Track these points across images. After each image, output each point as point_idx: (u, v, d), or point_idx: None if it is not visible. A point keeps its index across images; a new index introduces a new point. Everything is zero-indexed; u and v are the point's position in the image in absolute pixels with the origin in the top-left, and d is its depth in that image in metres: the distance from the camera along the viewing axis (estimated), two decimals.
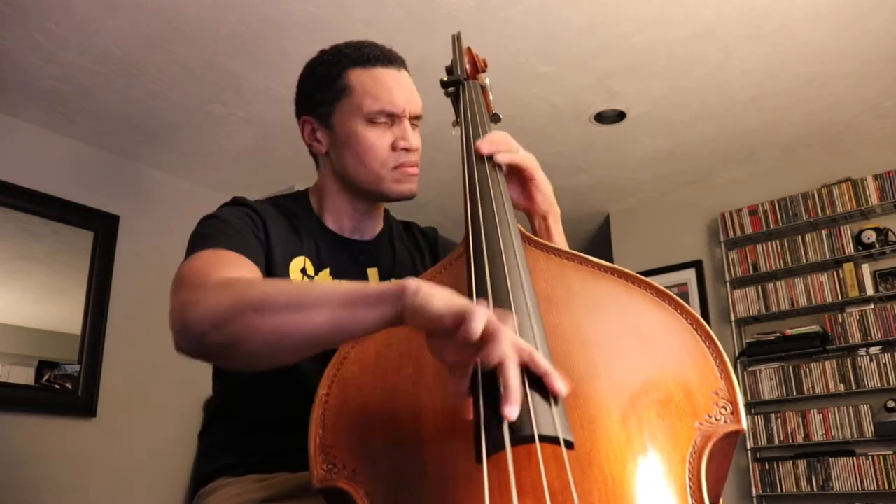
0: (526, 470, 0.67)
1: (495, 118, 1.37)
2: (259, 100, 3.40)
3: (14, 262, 3.40)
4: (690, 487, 0.71)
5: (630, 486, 0.70)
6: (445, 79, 1.38)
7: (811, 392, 3.84)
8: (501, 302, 0.81)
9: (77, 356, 3.51)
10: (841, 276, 3.90)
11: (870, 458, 3.61)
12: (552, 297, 0.91)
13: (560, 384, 0.68)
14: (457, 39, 1.44)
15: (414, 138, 1.20)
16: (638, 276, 0.93)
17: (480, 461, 0.64)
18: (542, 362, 0.68)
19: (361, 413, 0.81)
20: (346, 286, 0.81)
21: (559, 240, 1.18)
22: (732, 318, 4.18)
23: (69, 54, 3.00)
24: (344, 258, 1.24)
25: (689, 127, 3.80)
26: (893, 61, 3.25)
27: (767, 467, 3.87)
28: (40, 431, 3.32)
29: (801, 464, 3.77)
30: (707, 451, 0.73)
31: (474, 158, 1.14)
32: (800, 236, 4.05)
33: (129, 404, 3.63)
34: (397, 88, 1.20)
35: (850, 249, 3.88)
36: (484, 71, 1.42)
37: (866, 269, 3.85)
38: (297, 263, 1.18)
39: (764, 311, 4.08)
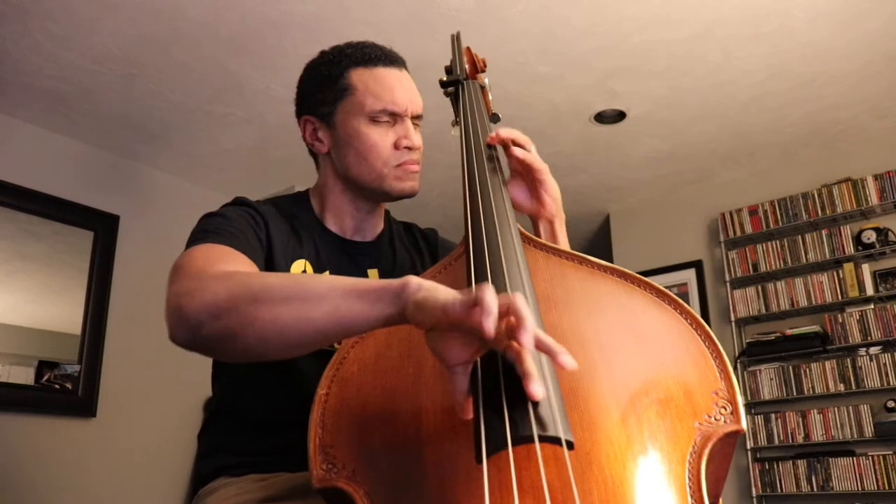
0: (526, 470, 0.67)
1: (495, 118, 1.37)
2: (259, 100, 3.40)
3: (14, 262, 3.40)
4: (690, 487, 0.71)
5: (630, 486, 0.70)
6: (445, 79, 1.38)
7: (811, 392, 3.84)
8: None
9: (77, 356, 3.51)
10: (841, 276, 3.90)
11: (870, 458, 3.61)
12: (552, 296, 0.91)
13: (567, 359, 0.66)
14: (456, 39, 1.45)
15: (416, 137, 1.21)
16: (637, 275, 0.93)
17: (480, 461, 0.64)
18: (547, 340, 0.67)
19: (361, 413, 0.81)
20: (347, 280, 0.81)
21: (564, 245, 1.18)
22: (732, 318, 4.18)
23: (69, 54, 3.00)
24: (344, 260, 1.24)
25: (689, 127, 3.80)
26: (893, 61, 3.25)
27: (767, 467, 3.87)
28: (40, 431, 3.32)
29: (801, 464, 3.77)
30: (707, 451, 0.73)
31: (474, 158, 1.14)
32: (800, 236, 4.05)
33: (129, 404, 3.63)
34: (399, 88, 1.20)
35: (850, 249, 3.88)
36: (483, 71, 1.42)
37: (866, 269, 3.85)
38: (298, 266, 1.18)
39: (764, 311, 4.08)
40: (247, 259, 1.05)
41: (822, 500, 3.73)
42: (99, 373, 3.55)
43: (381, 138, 1.19)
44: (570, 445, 0.67)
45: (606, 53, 3.13)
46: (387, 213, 1.36)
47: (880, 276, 3.82)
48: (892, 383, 3.63)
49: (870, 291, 3.80)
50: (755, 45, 3.10)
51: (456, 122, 1.30)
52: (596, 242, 5.23)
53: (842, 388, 3.76)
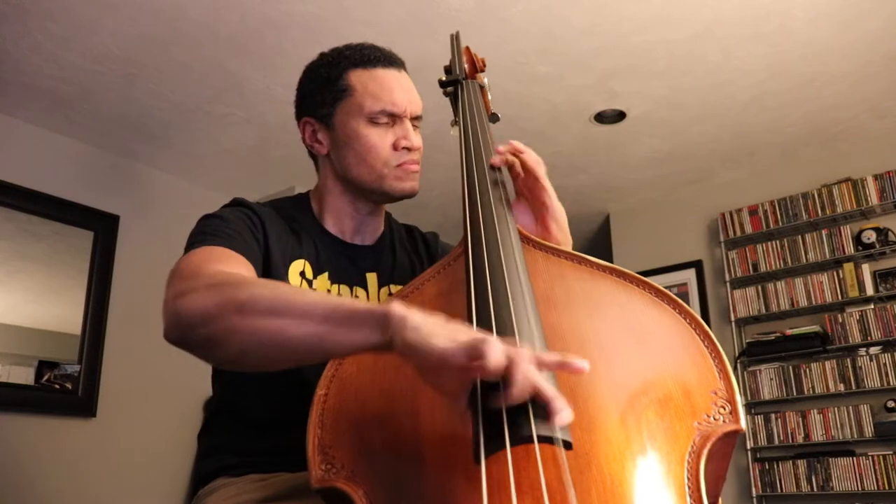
0: (525, 470, 0.67)
1: (494, 118, 1.37)
2: (259, 100, 3.40)
3: (14, 262, 3.40)
4: (689, 487, 0.71)
5: (629, 485, 0.70)
6: (444, 78, 1.38)
7: (811, 392, 3.84)
8: (500, 304, 0.80)
9: (77, 356, 3.51)
10: (841, 276, 3.90)
11: (870, 458, 3.60)
12: (551, 297, 0.91)
13: (579, 362, 0.67)
14: (455, 39, 1.44)
15: (415, 138, 1.21)
16: (637, 275, 0.93)
17: (479, 462, 0.64)
18: (551, 357, 0.68)
19: (360, 413, 0.81)
20: (332, 302, 0.80)
21: None
22: (732, 318, 4.18)
23: (69, 54, 3.00)
24: (343, 262, 1.23)
25: (689, 127, 3.80)
26: (893, 61, 3.25)
27: (767, 467, 3.87)
28: (40, 431, 3.32)
29: (801, 464, 3.77)
30: (706, 451, 0.73)
31: (473, 158, 1.14)
32: (800, 236, 4.05)
33: (129, 404, 3.63)
34: (398, 89, 1.20)
35: (850, 249, 3.88)
36: (482, 70, 1.42)
37: (866, 269, 3.85)
38: (297, 266, 1.18)
39: (764, 311, 4.08)
40: (244, 261, 1.05)
41: (822, 500, 3.73)
42: (99, 373, 3.55)
43: (380, 139, 1.18)
44: (568, 446, 0.67)
45: (606, 53, 3.13)
46: (388, 215, 1.35)
47: (880, 276, 3.82)
48: (892, 383, 3.62)
49: (870, 291, 3.80)
50: (755, 45, 3.10)
51: (455, 122, 1.30)
52: (596, 242, 5.23)
53: (842, 388, 3.76)
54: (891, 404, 3.61)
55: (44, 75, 3.14)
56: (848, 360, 3.78)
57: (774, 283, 4.09)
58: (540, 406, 0.67)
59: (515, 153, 1.15)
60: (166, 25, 2.85)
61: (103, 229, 3.72)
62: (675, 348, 0.84)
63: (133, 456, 3.58)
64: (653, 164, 4.21)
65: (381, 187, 1.21)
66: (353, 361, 0.87)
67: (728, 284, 4.23)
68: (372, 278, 1.25)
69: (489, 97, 1.41)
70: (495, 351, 0.64)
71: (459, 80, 1.36)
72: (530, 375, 0.65)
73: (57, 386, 3.41)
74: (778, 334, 3.99)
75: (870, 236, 3.82)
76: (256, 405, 1.16)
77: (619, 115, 3.66)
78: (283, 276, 1.15)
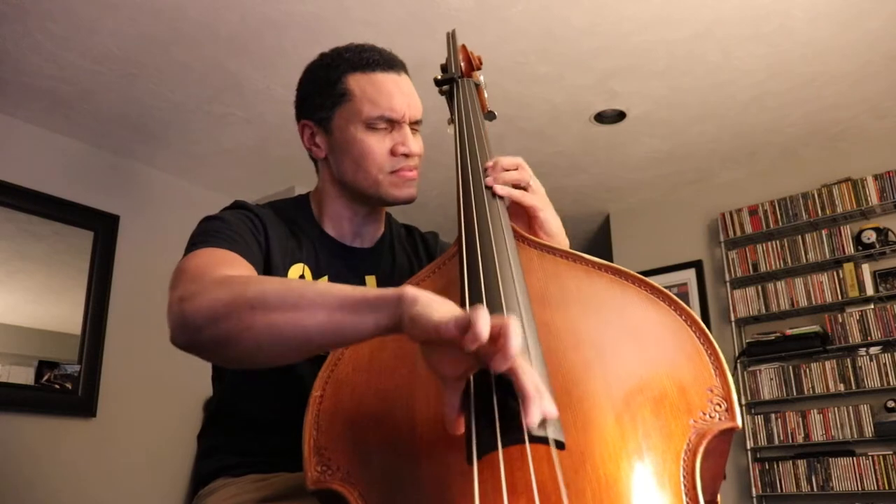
0: (519, 470, 0.67)
1: (490, 116, 1.36)
2: (259, 100, 3.40)
3: (14, 262, 3.40)
4: (685, 485, 0.70)
5: (624, 484, 0.70)
6: (440, 77, 1.37)
7: (811, 392, 3.84)
8: (493, 301, 0.80)
9: (77, 356, 3.51)
10: (841, 276, 3.90)
11: (870, 458, 3.60)
12: (545, 295, 0.90)
13: (549, 406, 0.67)
14: (451, 37, 1.44)
15: (414, 143, 1.19)
16: (633, 273, 0.93)
17: (471, 462, 0.65)
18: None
19: (355, 414, 0.81)
20: (344, 289, 0.80)
21: None
22: (732, 318, 4.18)
23: (69, 54, 3.00)
24: (342, 266, 1.23)
25: (689, 127, 3.79)
26: (893, 61, 3.24)
27: (767, 467, 3.87)
28: (40, 431, 3.32)
29: (801, 464, 3.77)
30: (702, 449, 0.72)
31: (468, 157, 1.14)
32: (800, 236, 4.05)
33: (129, 404, 3.63)
34: (397, 94, 1.19)
35: (850, 249, 3.87)
36: (479, 68, 1.41)
37: (866, 269, 3.85)
38: (296, 270, 1.18)
39: (764, 311, 4.08)
40: (246, 263, 1.05)
41: (822, 500, 3.72)
42: (99, 373, 3.55)
43: (378, 145, 1.18)
44: (561, 446, 0.67)
45: (606, 53, 3.13)
46: (388, 216, 1.35)
47: (880, 276, 3.82)
48: (892, 383, 3.62)
49: (870, 291, 3.80)
50: (755, 45, 3.10)
51: (451, 121, 1.30)
52: (596, 242, 5.23)
53: (842, 388, 3.76)
54: (891, 404, 3.61)
55: (44, 75, 3.14)
56: (848, 360, 3.77)
57: (774, 283, 4.09)
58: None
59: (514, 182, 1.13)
60: (166, 25, 2.85)
61: (103, 229, 3.72)
62: (670, 346, 0.84)
63: (133, 456, 3.58)
64: (653, 164, 4.21)
65: (378, 193, 1.20)
66: (349, 362, 0.87)
67: (728, 284, 4.23)
68: (371, 281, 1.25)
69: (485, 95, 1.41)
70: (483, 321, 0.64)
71: (455, 78, 1.35)
72: (510, 351, 0.65)
73: (57, 386, 3.41)
74: (778, 334, 3.99)
75: (870, 236, 3.82)
76: (256, 406, 1.16)
77: (619, 115, 3.66)
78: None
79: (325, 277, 1.20)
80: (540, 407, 0.65)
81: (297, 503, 0.98)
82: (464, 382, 0.70)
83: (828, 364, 3.83)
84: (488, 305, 0.79)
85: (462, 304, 0.83)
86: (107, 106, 3.41)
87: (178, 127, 3.62)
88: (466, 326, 0.64)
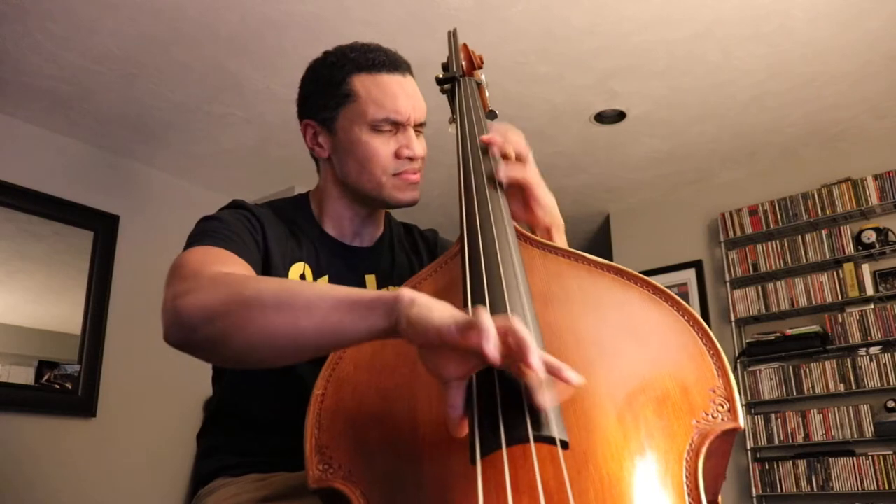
0: (522, 469, 0.67)
1: (492, 115, 1.36)
2: (259, 100, 3.40)
3: (14, 262, 3.40)
4: (687, 485, 0.70)
5: (626, 484, 0.70)
6: (441, 76, 1.37)
7: (811, 392, 3.84)
8: (496, 300, 0.80)
9: (77, 356, 3.51)
10: (841, 276, 3.90)
11: (870, 458, 3.60)
12: (548, 294, 0.90)
13: (571, 374, 0.66)
14: (452, 36, 1.44)
15: (418, 146, 1.19)
16: (635, 273, 0.93)
17: (475, 462, 0.64)
18: (545, 363, 0.67)
19: (357, 413, 0.81)
20: (340, 290, 0.80)
21: None
22: (732, 318, 4.18)
23: (69, 54, 3.00)
24: (342, 265, 1.23)
25: (689, 127, 3.79)
26: (893, 61, 3.24)
27: (767, 467, 3.87)
28: (40, 431, 3.32)
29: (801, 464, 3.77)
30: (704, 450, 0.72)
31: (470, 156, 1.14)
32: (800, 236, 4.05)
33: (129, 404, 3.63)
34: (402, 96, 1.18)
35: (850, 249, 3.87)
36: (480, 67, 1.41)
37: (866, 269, 3.85)
38: (297, 269, 1.18)
39: (764, 311, 4.08)
40: (243, 262, 1.05)
41: (822, 500, 3.73)
42: (99, 373, 3.55)
43: (382, 147, 1.17)
44: (565, 445, 0.67)
45: (606, 53, 3.13)
46: (388, 215, 1.35)
47: (880, 276, 3.82)
48: (892, 383, 3.62)
49: (870, 291, 3.80)
50: (755, 45, 3.10)
51: (452, 120, 1.30)
52: (596, 242, 5.23)
53: (842, 388, 3.76)
54: (891, 404, 3.61)
55: (44, 75, 3.14)
56: (848, 360, 3.77)
57: (774, 283, 4.09)
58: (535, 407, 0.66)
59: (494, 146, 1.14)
60: (166, 25, 2.85)
61: (103, 229, 3.72)
62: (673, 346, 0.84)
63: (133, 456, 3.58)
64: (653, 164, 4.21)
65: (381, 196, 1.20)
66: (351, 361, 0.87)
67: (728, 284, 4.23)
68: (371, 280, 1.25)
69: (487, 94, 1.41)
70: (488, 322, 0.64)
71: (456, 78, 1.35)
72: (532, 350, 0.64)
73: (57, 386, 3.41)
74: (778, 334, 3.99)
75: (870, 236, 3.82)
76: (256, 405, 1.16)
77: (619, 115, 3.66)
78: (282, 279, 1.15)
79: (326, 277, 1.20)
80: (550, 395, 0.65)
81: (298, 503, 0.97)
82: (465, 383, 0.69)
83: (828, 364, 3.83)
84: (491, 305, 0.79)
85: (464, 304, 0.83)
86: (107, 106, 3.41)
87: (178, 127, 3.62)
88: (467, 328, 0.64)
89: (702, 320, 0.86)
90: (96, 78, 3.18)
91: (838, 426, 3.73)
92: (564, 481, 0.66)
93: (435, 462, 0.73)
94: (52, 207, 3.53)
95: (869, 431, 3.63)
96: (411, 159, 1.19)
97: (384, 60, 1.19)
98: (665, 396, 0.78)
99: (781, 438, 3.88)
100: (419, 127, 1.21)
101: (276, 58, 3.08)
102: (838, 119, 3.74)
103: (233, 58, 3.08)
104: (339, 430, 0.79)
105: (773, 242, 4.13)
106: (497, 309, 0.78)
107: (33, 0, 2.68)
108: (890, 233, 3.82)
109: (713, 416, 0.76)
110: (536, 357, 0.64)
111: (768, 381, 3.98)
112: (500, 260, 0.87)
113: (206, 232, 1.08)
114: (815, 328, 3.91)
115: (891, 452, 3.55)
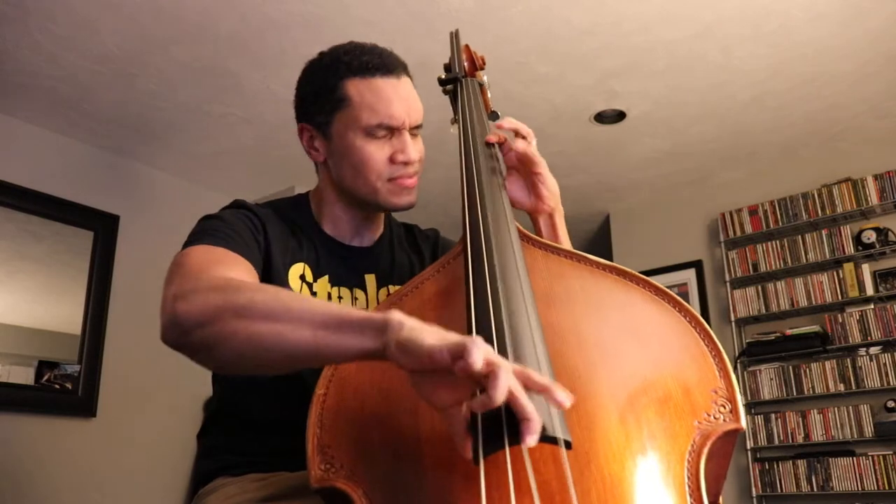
0: (525, 470, 0.67)
1: (494, 116, 1.36)
2: (259, 100, 3.40)
3: (14, 262, 3.40)
4: (689, 486, 0.70)
5: (628, 485, 0.70)
6: (443, 76, 1.37)
7: (811, 392, 3.84)
8: (498, 300, 0.80)
9: (77, 356, 3.51)
10: (841, 276, 3.90)
11: (870, 458, 3.60)
12: (550, 295, 0.90)
13: (562, 395, 0.65)
14: (454, 37, 1.44)
15: (413, 150, 1.18)
16: (637, 274, 0.93)
17: (477, 463, 0.64)
18: (540, 379, 0.66)
19: (359, 412, 0.81)
20: (331, 307, 0.79)
21: (565, 240, 1.18)
22: (732, 318, 4.18)
23: (69, 54, 3.00)
24: (342, 265, 1.23)
25: (689, 127, 3.79)
26: (893, 61, 3.24)
27: (767, 467, 3.87)
28: (40, 431, 3.32)
29: (801, 464, 3.77)
30: (706, 450, 0.72)
31: (472, 157, 1.14)
32: (800, 236, 4.05)
33: (129, 404, 3.63)
34: (396, 100, 1.16)
35: (850, 249, 3.88)
36: (482, 68, 1.41)
37: (866, 269, 3.85)
38: (297, 270, 1.17)
39: (764, 311, 4.08)
40: (244, 262, 1.05)
41: (822, 500, 3.73)
42: (99, 373, 3.55)
43: (377, 152, 1.16)
44: (569, 445, 0.67)
45: (606, 53, 3.13)
46: (387, 214, 1.35)
47: (880, 276, 3.82)
48: (892, 383, 3.62)
49: (870, 291, 3.80)
50: (755, 45, 3.10)
51: (455, 120, 1.30)
52: (596, 242, 5.23)
53: (842, 388, 3.76)
54: (891, 404, 3.61)
55: (44, 75, 3.14)
56: (848, 360, 3.78)
57: (774, 283, 4.09)
58: (538, 407, 0.66)
59: (501, 142, 1.20)
60: (166, 25, 2.85)
61: (103, 229, 3.72)
62: (675, 347, 0.84)
63: (133, 456, 3.58)
64: (653, 164, 4.21)
65: (376, 200, 1.19)
66: None
67: (728, 284, 4.23)
68: (370, 280, 1.24)
69: (489, 95, 1.41)
70: (478, 351, 0.63)
71: (459, 78, 1.35)
72: (510, 383, 0.63)
73: (57, 386, 3.41)
74: (778, 334, 3.99)
75: (870, 236, 3.82)
76: (256, 405, 1.15)
77: (619, 115, 3.66)
78: (283, 279, 1.15)
79: (326, 277, 1.20)
80: (538, 428, 0.63)
81: (298, 502, 0.97)
82: (461, 408, 0.68)
83: (828, 364, 3.83)
84: (493, 305, 0.79)
85: (467, 304, 0.83)
86: (107, 106, 3.41)
87: (178, 127, 3.62)
88: (460, 353, 0.63)
89: (703, 321, 0.86)
90: (96, 78, 3.17)
91: (838, 426, 3.73)
92: (567, 482, 0.66)
93: (437, 461, 0.73)
94: (52, 207, 3.53)
95: (869, 431, 3.64)
96: (406, 164, 1.18)
97: (378, 63, 1.18)
98: (667, 397, 0.78)
99: (781, 438, 3.88)
100: (415, 129, 1.20)
101: (277, 58, 3.08)
102: (838, 119, 3.74)
103: (233, 58, 3.08)
104: (341, 429, 0.79)
105: (773, 242, 4.13)
106: (500, 311, 0.79)
107: (33, 0, 2.67)
108: (890, 233, 3.82)
109: (715, 417, 0.76)
110: (501, 392, 0.63)
111: (768, 381, 3.98)
112: (503, 261, 0.87)
113: (208, 231, 1.08)
114: (815, 328, 3.91)
115: (891, 452, 3.56)
